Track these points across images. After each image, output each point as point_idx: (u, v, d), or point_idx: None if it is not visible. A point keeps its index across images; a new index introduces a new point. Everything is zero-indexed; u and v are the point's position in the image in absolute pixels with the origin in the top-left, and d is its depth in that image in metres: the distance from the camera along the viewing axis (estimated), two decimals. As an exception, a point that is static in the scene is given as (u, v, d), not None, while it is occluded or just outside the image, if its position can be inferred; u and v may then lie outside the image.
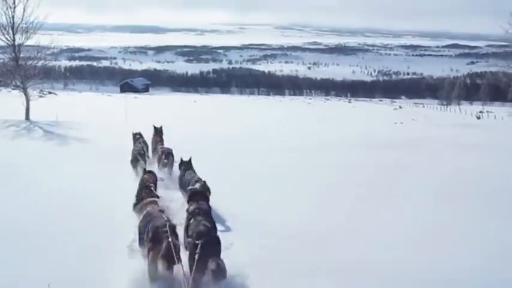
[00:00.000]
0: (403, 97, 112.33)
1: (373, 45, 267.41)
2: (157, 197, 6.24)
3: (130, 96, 56.56)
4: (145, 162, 9.59)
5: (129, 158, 9.97)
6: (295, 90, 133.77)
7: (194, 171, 8.06)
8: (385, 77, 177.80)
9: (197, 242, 4.53)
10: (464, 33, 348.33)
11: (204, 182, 7.35)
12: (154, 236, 4.64)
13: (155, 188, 6.77)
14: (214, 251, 4.52)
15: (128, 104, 30.32)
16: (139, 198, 6.11)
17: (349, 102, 63.58)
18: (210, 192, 6.97)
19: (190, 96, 66.99)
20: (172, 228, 4.75)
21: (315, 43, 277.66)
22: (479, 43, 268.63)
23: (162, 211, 5.42)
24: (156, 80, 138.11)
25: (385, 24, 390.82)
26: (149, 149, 10.95)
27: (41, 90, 46.74)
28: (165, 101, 50.99)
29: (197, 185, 7.14)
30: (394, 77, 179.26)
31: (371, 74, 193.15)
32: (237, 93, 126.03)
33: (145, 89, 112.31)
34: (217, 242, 4.67)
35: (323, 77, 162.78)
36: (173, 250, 4.38)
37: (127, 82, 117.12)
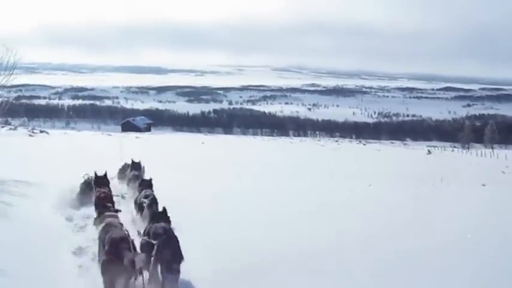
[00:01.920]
0: (408, 139, 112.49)
1: (370, 88, 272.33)
2: (116, 210, 6.42)
3: (131, 135, 50.79)
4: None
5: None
6: (299, 131, 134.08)
7: (152, 191, 7.91)
8: (386, 119, 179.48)
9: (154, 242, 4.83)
10: (456, 76, 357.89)
11: (153, 197, 7.28)
12: (112, 249, 4.57)
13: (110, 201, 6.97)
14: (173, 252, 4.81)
15: (125, 147, 22.41)
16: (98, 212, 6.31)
17: (364, 145, 62.53)
18: (157, 203, 7.01)
19: (195, 137, 63.93)
20: (131, 241, 4.77)
21: (313, 85, 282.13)
22: (472, 86, 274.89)
23: (121, 223, 5.55)
24: (158, 120, 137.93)
25: (379, 67, 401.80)
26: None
27: (32, 129, 44.05)
28: (170, 143, 41.81)
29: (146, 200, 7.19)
30: (394, 118, 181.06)
31: (371, 115, 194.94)
32: (240, 133, 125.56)
33: (147, 128, 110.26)
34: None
35: (324, 118, 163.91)
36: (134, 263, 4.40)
37: (128, 121, 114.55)
